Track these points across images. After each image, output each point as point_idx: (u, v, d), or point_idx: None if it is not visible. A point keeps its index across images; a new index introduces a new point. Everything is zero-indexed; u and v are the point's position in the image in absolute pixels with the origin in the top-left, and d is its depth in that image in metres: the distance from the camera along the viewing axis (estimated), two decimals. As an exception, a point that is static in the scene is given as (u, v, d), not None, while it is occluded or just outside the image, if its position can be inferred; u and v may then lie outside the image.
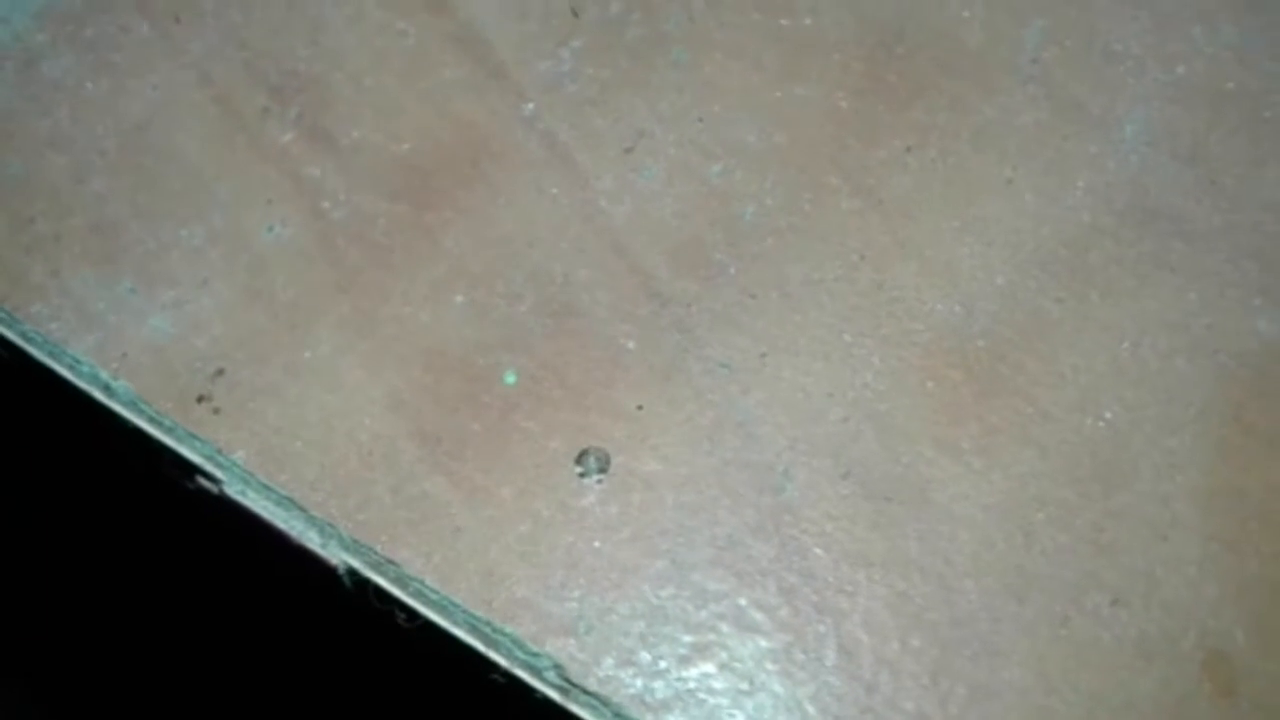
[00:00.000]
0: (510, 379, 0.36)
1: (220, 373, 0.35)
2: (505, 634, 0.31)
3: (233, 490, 0.34)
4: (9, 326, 0.36)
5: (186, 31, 0.41)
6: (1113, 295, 0.36)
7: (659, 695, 0.31)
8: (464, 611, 0.31)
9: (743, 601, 0.31)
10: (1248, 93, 0.40)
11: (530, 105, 0.40)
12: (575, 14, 0.42)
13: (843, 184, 0.38)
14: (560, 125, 0.38)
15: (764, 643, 0.31)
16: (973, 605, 0.32)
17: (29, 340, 0.36)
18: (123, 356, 0.35)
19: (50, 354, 0.36)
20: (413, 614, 0.31)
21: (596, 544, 0.33)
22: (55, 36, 0.41)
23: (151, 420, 0.34)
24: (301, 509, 0.33)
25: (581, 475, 0.33)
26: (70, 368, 0.36)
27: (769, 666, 0.31)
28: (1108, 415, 0.35)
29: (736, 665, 0.31)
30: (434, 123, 0.39)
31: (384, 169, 0.38)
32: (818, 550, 0.33)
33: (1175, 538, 0.33)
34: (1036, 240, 0.37)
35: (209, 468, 0.34)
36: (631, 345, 0.35)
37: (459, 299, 0.36)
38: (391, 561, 0.32)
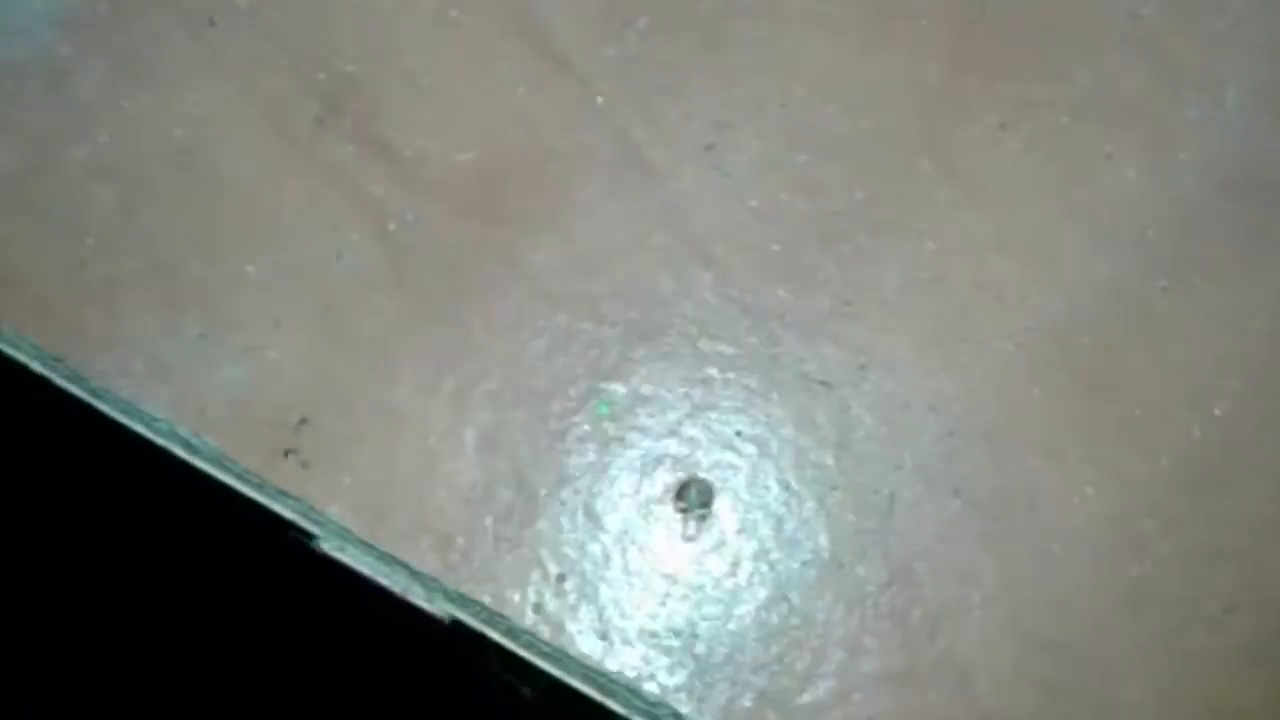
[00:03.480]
0: (603, 410, 0.34)
1: (304, 422, 0.34)
2: (621, 683, 0.31)
3: (330, 546, 0.33)
4: (77, 384, 0.34)
5: (223, 35, 0.37)
6: (1218, 277, 0.34)
7: None
8: (578, 662, 0.31)
9: (854, 628, 0.31)
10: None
11: (599, 98, 0.37)
12: None
13: (936, 169, 0.35)
14: (633, 119, 0.36)
15: (878, 669, 0.31)
16: (1086, 623, 0.32)
17: (100, 398, 0.34)
18: (201, 411, 0.34)
19: (124, 412, 0.34)
20: (528, 670, 0.33)
21: (703, 580, 0.32)
22: (82, 48, 0.37)
23: (240, 478, 0.33)
24: (403, 564, 0.32)
25: (684, 510, 0.32)
26: (148, 425, 0.35)
27: (884, 693, 0.31)
28: (1218, 411, 0.34)
29: (852, 695, 0.31)
30: (498, 124, 0.36)
31: (450, 181, 0.36)
32: (927, 573, 0.32)
33: None
34: (1139, 221, 0.35)
35: (304, 524, 0.34)
36: (725, 365, 0.34)
37: (542, 324, 0.34)
38: (500, 615, 0.32)
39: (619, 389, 0.35)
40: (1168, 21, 0.38)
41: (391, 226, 0.36)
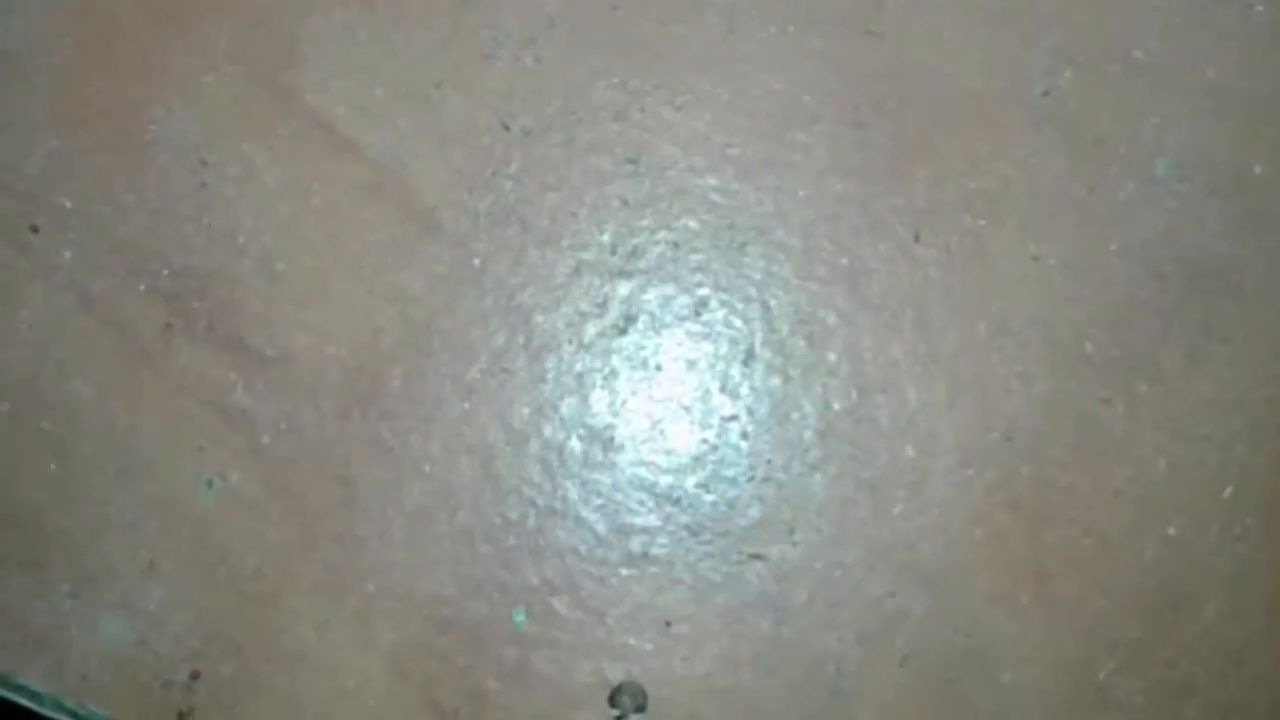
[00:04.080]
0: (519, 618, 0.31)
1: (195, 676, 0.31)
2: None
3: None
4: None
5: (50, 241, 0.33)
6: (1162, 382, 0.32)
7: None
8: None
9: None
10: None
11: (476, 260, 0.33)
12: (506, 127, 0.36)
13: (849, 296, 0.33)
14: (515, 280, 0.33)
15: None
16: None
17: None
18: (83, 679, 0.31)
19: (4, 685, 0.32)
20: None
21: None
22: None
23: None
24: None
25: (619, 718, 0.30)
26: (31, 699, 0.31)
27: None
28: (1170, 531, 0.32)
29: None
30: (369, 304, 0.33)
31: (324, 378, 0.32)
32: None
33: (1250, 659, 0.31)
34: (1073, 328, 0.32)
35: None
36: (646, 550, 0.31)
37: (443, 529, 0.32)
38: None
39: (534, 589, 0.32)
40: (1085, 92, 0.35)
41: (264, 439, 0.33)
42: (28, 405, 0.33)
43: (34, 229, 0.34)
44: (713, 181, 0.34)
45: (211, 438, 0.32)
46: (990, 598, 0.31)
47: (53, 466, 0.33)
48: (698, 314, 0.34)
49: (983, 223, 0.34)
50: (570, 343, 0.33)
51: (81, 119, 0.34)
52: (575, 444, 0.33)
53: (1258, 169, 0.34)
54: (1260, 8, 0.35)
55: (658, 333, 0.33)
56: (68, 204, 0.34)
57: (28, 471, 0.33)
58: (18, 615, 0.32)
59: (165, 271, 0.34)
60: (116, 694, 0.31)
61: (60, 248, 0.34)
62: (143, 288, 0.33)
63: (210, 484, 0.32)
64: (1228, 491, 0.32)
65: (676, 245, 0.34)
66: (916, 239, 0.34)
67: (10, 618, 0.32)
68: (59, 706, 0.31)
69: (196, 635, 0.31)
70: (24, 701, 0.31)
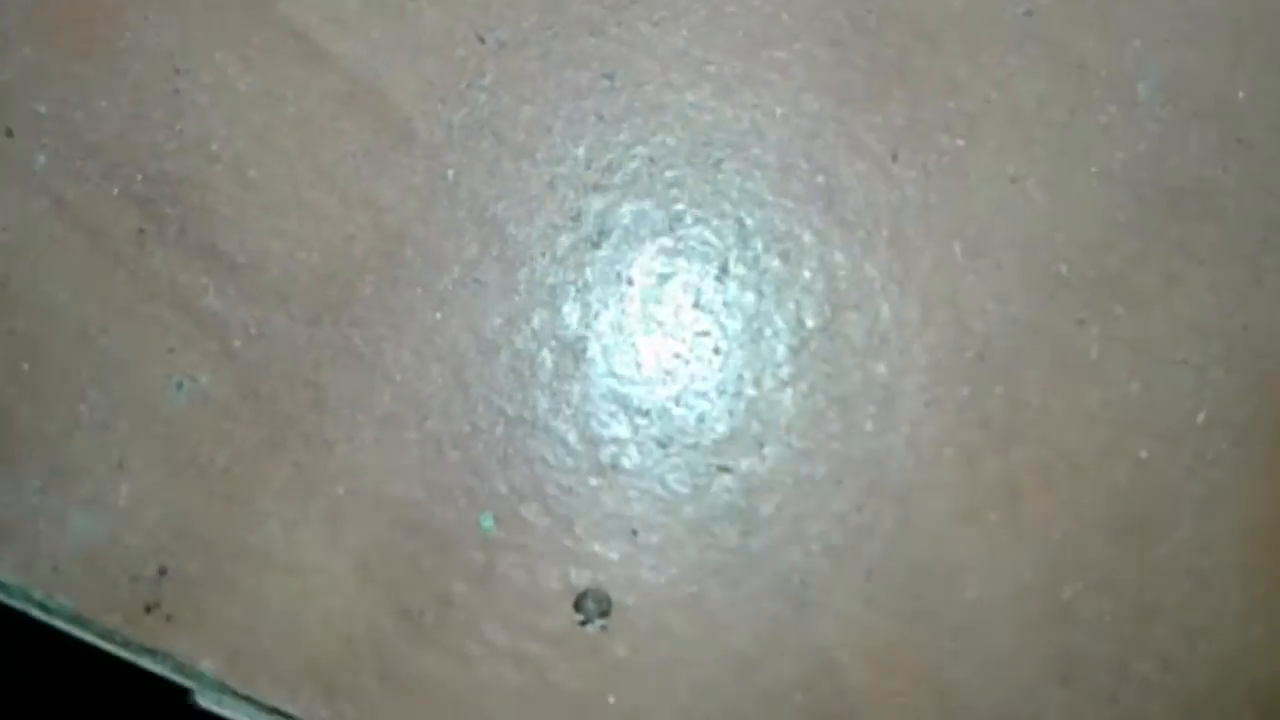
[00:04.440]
0: (487, 524, 0.32)
1: (163, 571, 0.31)
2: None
3: (207, 701, 0.30)
4: None
5: (25, 144, 0.33)
6: (1139, 305, 0.32)
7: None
8: None
9: None
10: (1276, 16, 0.34)
11: (450, 171, 0.33)
12: (481, 39, 0.36)
13: (824, 214, 0.32)
14: (489, 192, 0.33)
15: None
16: (1017, 696, 0.30)
17: None
18: (53, 570, 0.31)
19: None
20: None
21: (611, 697, 0.30)
22: None
23: (102, 637, 0.31)
24: (286, 714, 0.30)
25: (583, 623, 0.30)
26: (0, 590, 0.33)
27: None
28: (1142, 454, 0.32)
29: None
30: (342, 213, 0.33)
31: (295, 285, 0.32)
32: (848, 661, 0.30)
33: (1219, 584, 0.31)
34: (1051, 249, 0.32)
35: (176, 679, 0.32)
36: (614, 458, 0.31)
37: (412, 435, 0.32)
38: None
39: (502, 496, 0.32)
40: (1067, 12, 0.34)
41: (235, 343, 0.33)
42: (3, 307, 0.33)
43: (8, 133, 0.34)
44: (689, 98, 0.34)
45: (183, 341, 0.33)
46: (958, 515, 0.31)
47: (25, 366, 0.33)
48: (672, 229, 0.34)
49: (961, 143, 0.34)
50: (543, 255, 0.33)
51: (57, 26, 0.34)
52: (546, 355, 0.33)
53: (1241, 94, 0.34)
54: (1252, -70, 0.35)
55: (631, 247, 0.33)
56: (42, 109, 0.34)
57: (2, 370, 0.33)
58: None
59: (139, 177, 0.34)
60: (85, 587, 0.31)
61: (34, 153, 0.34)
62: (116, 193, 0.33)
63: (180, 385, 0.33)
64: (1201, 417, 0.32)
65: (652, 160, 0.34)
66: (894, 158, 0.34)
67: None
68: (27, 598, 0.31)
69: (165, 532, 0.31)
70: None
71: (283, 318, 0.33)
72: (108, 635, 0.31)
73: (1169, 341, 0.32)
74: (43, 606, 0.31)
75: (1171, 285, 0.32)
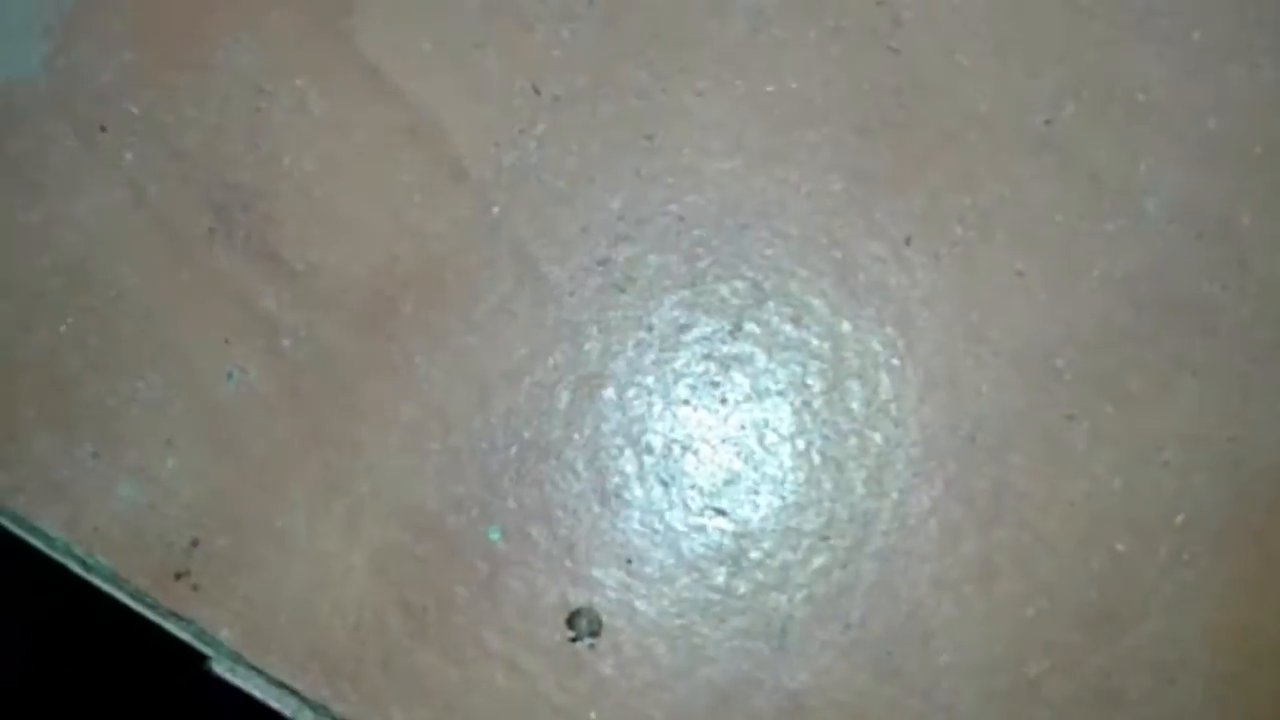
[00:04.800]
0: (494, 536, 0.31)
1: (195, 544, 0.31)
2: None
3: (221, 669, 0.31)
4: None
5: (115, 141, 0.33)
6: (1129, 406, 0.31)
7: None
8: None
9: None
10: (1286, 150, 0.35)
11: (495, 209, 0.33)
12: (537, 91, 0.35)
13: (836, 287, 0.31)
14: (528, 232, 0.31)
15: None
16: None
17: (0, 513, 0.31)
18: (94, 530, 0.31)
19: (23, 528, 0.32)
20: None
21: (592, 714, 0.29)
22: None
23: (133, 597, 0.31)
24: (292, 690, 0.30)
25: (574, 639, 0.29)
26: (45, 542, 0.32)
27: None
28: (1119, 547, 0.31)
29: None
30: (393, 236, 0.32)
31: (344, 295, 0.32)
32: (818, 708, 0.29)
33: (1183, 681, 0.30)
34: (1047, 344, 0.31)
35: (196, 645, 0.31)
36: (620, 489, 0.30)
37: (434, 446, 0.31)
38: None
39: (511, 512, 0.31)
40: (1085, 126, 0.34)
41: (284, 343, 0.32)
42: (78, 284, 0.33)
43: (102, 129, 0.33)
44: (723, 165, 0.33)
45: (237, 335, 0.32)
46: (937, 583, 0.30)
47: (93, 340, 0.32)
48: (693, 284, 0.32)
49: (973, 235, 0.32)
50: (571, 294, 0.32)
51: (157, 37, 0.34)
52: (564, 387, 0.31)
53: (1245, 219, 0.32)
54: (1266, 66, 0.33)
55: (654, 296, 0.32)
56: (135, 110, 0.33)
57: (71, 341, 0.32)
58: (44, 468, 0.32)
59: (215, 184, 0.33)
60: (122, 549, 0.31)
61: (123, 149, 0.33)
62: (193, 195, 0.33)
63: (231, 375, 0.31)
64: (1180, 519, 0.30)
65: (681, 219, 0.33)
66: (908, 242, 0.32)
67: (37, 469, 0.32)
68: (69, 552, 0.31)
69: (201, 507, 0.31)
70: (38, 543, 0.32)
71: (328, 324, 0.32)
72: (138, 596, 0.31)
73: (1155, 444, 0.30)
74: (82, 563, 0.31)
75: (1162, 392, 0.30)
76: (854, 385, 0.32)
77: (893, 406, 0.32)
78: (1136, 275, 0.34)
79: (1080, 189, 0.34)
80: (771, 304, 0.33)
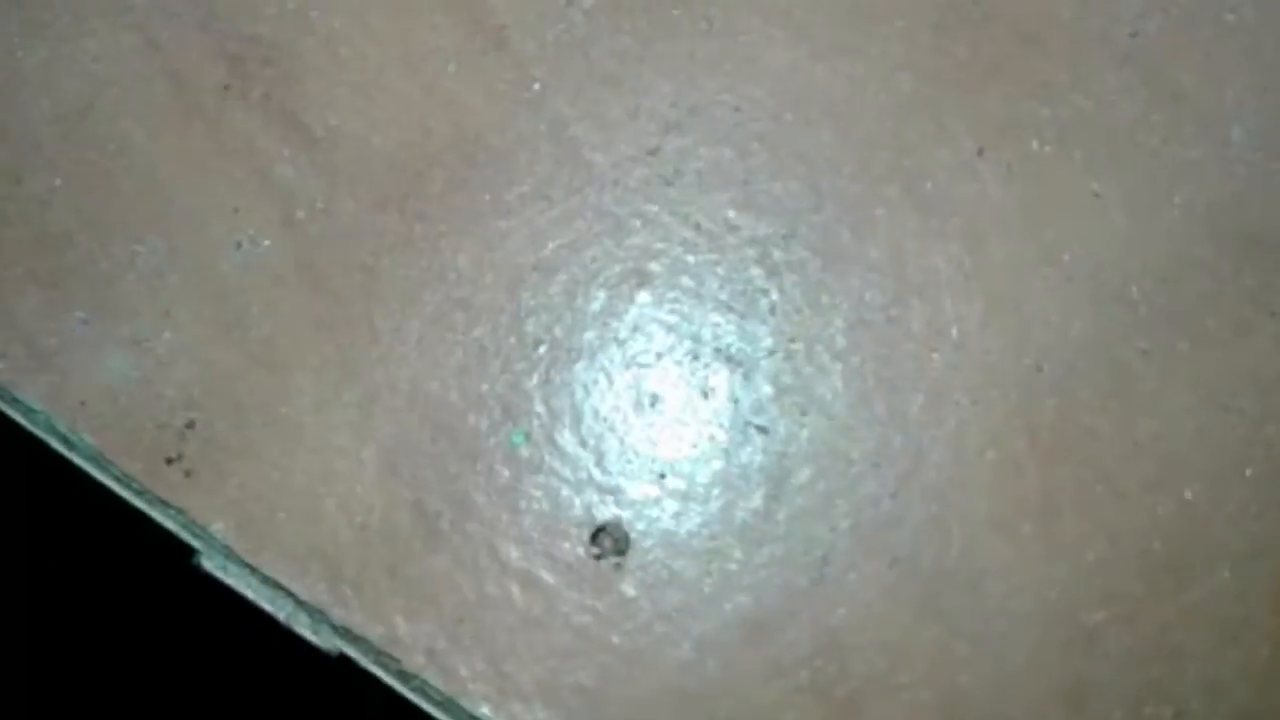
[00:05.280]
0: (518, 439, 0.22)
1: (190, 426, 0.21)
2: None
3: (211, 565, 0.21)
4: None
5: None
6: (1204, 345, 0.22)
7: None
8: (469, 714, 0.20)
9: (773, 699, 0.20)
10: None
11: (536, 85, 0.23)
12: None
13: (902, 195, 0.22)
14: (571, 112, 0.23)
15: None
16: (1023, 715, 0.21)
17: None
18: (80, 405, 0.21)
19: (1, 398, 0.23)
20: (417, 717, 0.23)
21: (612, 636, 0.20)
22: None
23: (119, 481, 0.21)
24: (289, 591, 0.21)
25: (598, 556, 0.21)
26: (25, 414, 0.22)
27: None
28: (1187, 494, 0.22)
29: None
30: (424, 106, 0.23)
31: (367, 167, 0.22)
32: (855, 646, 0.20)
33: (1246, 640, 0.21)
34: (1123, 273, 0.22)
35: (185, 537, 0.22)
36: (656, 397, 0.22)
37: (459, 336, 0.22)
38: (390, 655, 0.20)
39: (539, 415, 0.23)
40: (1173, 42, 0.25)
41: (299, 214, 0.24)
42: (78, 133, 0.23)
43: None
44: (785, 55, 0.24)
45: (249, 202, 0.23)
46: (992, 521, 0.21)
47: (89, 196, 0.23)
48: (746, 182, 0.24)
49: (1049, 149, 0.24)
50: (615, 184, 0.24)
51: None
52: (601, 285, 0.23)
53: None
54: (1387, -10, 0.25)
55: (703, 191, 0.24)
56: None
57: (66, 195, 0.23)
58: (28, 332, 0.23)
59: (233, 33, 0.24)
60: (109, 427, 0.22)
61: None
62: (209, 45, 0.24)
63: (239, 246, 0.23)
64: (1250, 470, 0.22)
65: (738, 110, 0.24)
66: (980, 153, 0.24)
67: (20, 333, 0.23)
68: (50, 428, 0.22)
69: (198, 387, 0.22)
70: (17, 416, 0.22)
71: (349, 198, 0.23)
72: (123, 480, 0.22)
73: (1228, 388, 0.22)
74: (64, 439, 0.22)
75: (1239, 332, 0.23)
76: (914, 303, 0.23)
77: (954, 329, 0.23)
78: (1219, 207, 0.24)
79: (1163, 110, 0.25)
80: (829, 209, 0.24)
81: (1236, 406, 0.22)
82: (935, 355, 0.22)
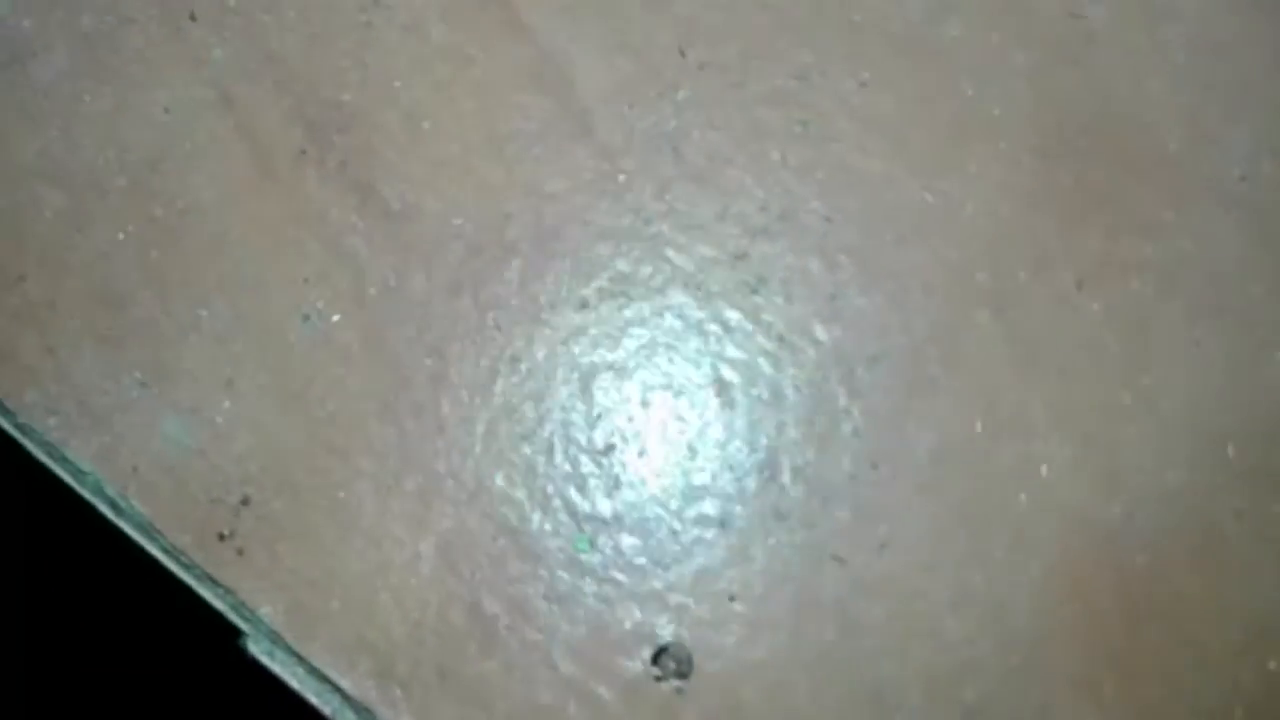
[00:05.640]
0: (583, 545, 0.20)
1: (245, 502, 0.20)
2: None
3: (258, 649, 0.20)
4: (1, 415, 0.21)
5: (205, 33, 0.22)
6: None
7: None
8: None
9: None
10: None
11: (622, 176, 0.22)
12: (682, 53, 0.23)
13: (995, 323, 0.21)
14: (657, 207, 0.22)
15: None
16: None
17: (26, 434, 0.21)
18: (133, 470, 0.20)
19: (50, 455, 0.21)
20: None
21: None
22: (44, 25, 0.22)
23: (167, 554, 0.20)
24: (336, 685, 0.20)
25: (658, 678, 0.20)
26: (74, 475, 0.21)
27: None
28: (1271, 665, 0.21)
29: None
30: (504, 189, 0.22)
31: (443, 247, 0.21)
32: None
33: None
34: (1220, 427, 0.21)
35: (232, 618, 0.21)
36: (729, 517, 0.21)
37: (526, 433, 0.21)
38: None
39: (605, 521, 0.22)
40: None
41: (371, 290, 0.22)
42: (145, 187, 0.22)
43: (191, 17, 0.23)
44: (879, 167, 0.23)
45: (320, 273, 0.22)
46: (1072, 679, 0.20)
47: (155, 254, 0.22)
48: (833, 297, 0.23)
49: (1151, 291, 0.23)
50: (698, 288, 0.22)
51: None
52: (678, 390, 0.22)
53: None
54: None
55: (788, 302, 0.22)
56: (231, 2, 0.23)
57: (129, 249, 0.22)
58: (82, 390, 0.21)
59: (311, 99, 0.23)
60: (161, 497, 0.21)
61: (213, 43, 0.23)
62: (286, 106, 0.22)
63: (308, 318, 0.22)
64: None
65: (829, 220, 0.23)
66: (1079, 286, 0.23)
67: (74, 390, 0.21)
68: (99, 491, 0.21)
69: (256, 462, 0.21)
70: (65, 476, 0.21)
71: (423, 277, 0.22)
72: (173, 553, 0.21)
73: None
74: (113, 505, 0.21)
75: None
76: (1004, 441, 0.21)
77: (1044, 471, 0.21)
78: None
79: (1272, 258, 0.23)
80: (919, 330, 0.22)
81: (1327, 575, 0.21)
82: (1022, 496, 0.21)
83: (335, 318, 0.22)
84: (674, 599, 0.21)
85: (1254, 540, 0.21)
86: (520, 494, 0.22)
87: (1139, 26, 0.23)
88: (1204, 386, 0.22)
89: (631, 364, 0.22)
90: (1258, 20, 0.24)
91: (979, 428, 0.22)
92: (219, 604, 0.21)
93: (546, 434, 0.22)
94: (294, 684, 0.20)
